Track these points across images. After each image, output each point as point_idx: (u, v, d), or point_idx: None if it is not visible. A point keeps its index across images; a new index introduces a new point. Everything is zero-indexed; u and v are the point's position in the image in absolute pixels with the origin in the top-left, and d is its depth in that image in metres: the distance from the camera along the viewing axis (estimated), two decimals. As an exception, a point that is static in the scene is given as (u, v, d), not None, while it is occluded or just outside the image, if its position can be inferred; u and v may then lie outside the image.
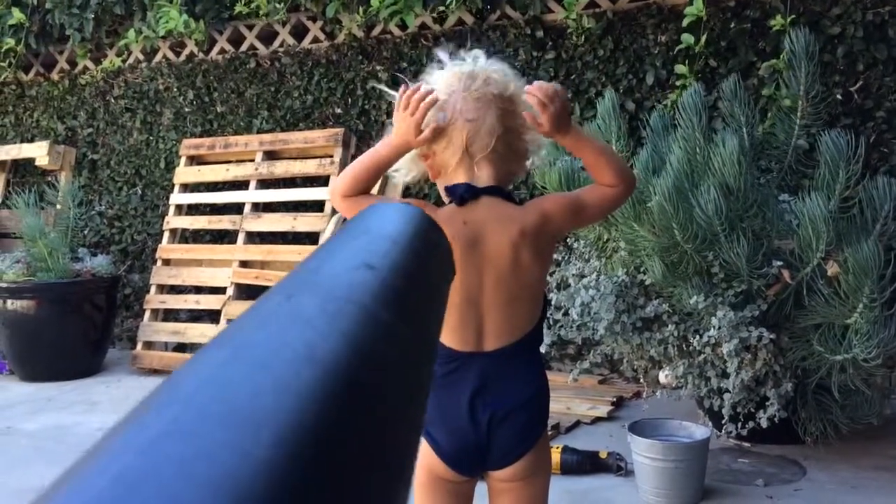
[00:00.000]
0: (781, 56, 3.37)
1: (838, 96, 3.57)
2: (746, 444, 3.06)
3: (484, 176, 1.44)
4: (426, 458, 1.46)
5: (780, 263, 2.73)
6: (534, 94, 1.41)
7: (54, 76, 5.74)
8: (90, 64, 5.57)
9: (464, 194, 1.42)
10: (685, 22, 3.60)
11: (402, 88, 1.46)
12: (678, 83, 3.68)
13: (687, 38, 3.62)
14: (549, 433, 3.15)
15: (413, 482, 1.49)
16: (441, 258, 0.53)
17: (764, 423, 2.80)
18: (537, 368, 1.50)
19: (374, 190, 2.25)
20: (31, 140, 5.78)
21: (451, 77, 1.48)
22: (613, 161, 1.49)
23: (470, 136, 1.43)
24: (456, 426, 1.43)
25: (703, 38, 3.61)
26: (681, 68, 3.64)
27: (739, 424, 2.88)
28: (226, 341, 0.32)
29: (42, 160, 5.46)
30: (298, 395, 0.28)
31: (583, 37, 3.94)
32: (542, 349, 1.93)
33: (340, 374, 0.30)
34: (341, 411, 0.29)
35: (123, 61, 5.44)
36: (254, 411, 0.27)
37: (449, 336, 1.43)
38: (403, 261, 0.43)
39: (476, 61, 1.50)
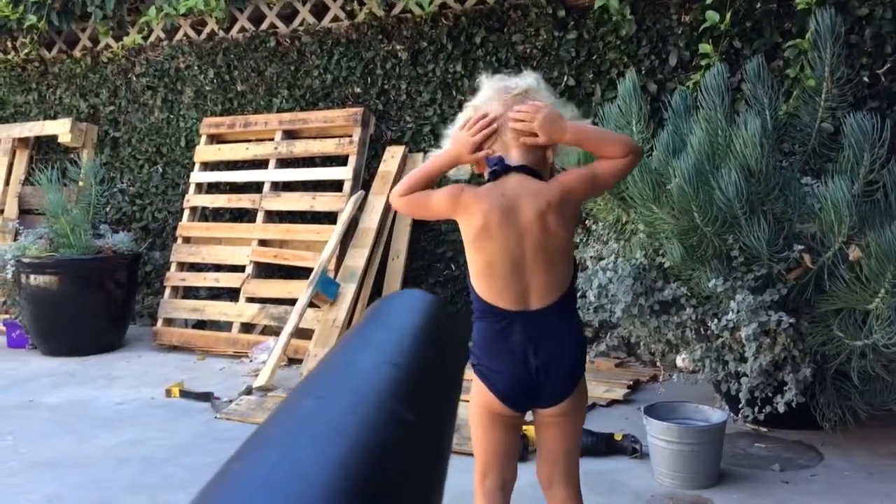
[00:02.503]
0: (807, 36, 3.31)
1: (865, 79, 3.50)
2: (763, 429, 3.04)
3: (514, 157, 1.72)
4: (482, 396, 1.73)
5: (801, 247, 2.69)
6: (515, 118, 1.70)
7: (76, 53, 5.77)
8: (112, 42, 5.59)
9: (496, 166, 1.70)
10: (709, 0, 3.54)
11: (470, 112, 1.77)
12: (702, 63, 3.63)
13: (711, 16, 3.57)
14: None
15: (469, 416, 1.69)
16: (456, 344, 0.58)
17: (781, 408, 2.78)
18: (576, 321, 1.78)
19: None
20: (54, 117, 5.82)
21: (489, 89, 1.78)
22: (614, 139, 1.78)
23: (500, 126, 1.72)
24: (511, 371, 1.69)
25: (728, 17, 3.55)
26: (705, 47, 3.59)
27: (756, 409, 2.86)
28: (272, 441, 0.37)
29: (65, 137, 5.50)
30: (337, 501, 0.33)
31: (605, 15, 3.87)
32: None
33: (368, 483, 0.35)
34: None
35: (145, 39, 5.45)
36: None
37: (498, 297, 1.68)
38: (423, 354, 0.49)
39: (515, 78, 1.80)
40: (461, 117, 1.80)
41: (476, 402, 1.77)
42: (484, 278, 1.70)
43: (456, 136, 1.76)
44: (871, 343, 2.52)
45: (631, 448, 2.84)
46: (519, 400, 1.73)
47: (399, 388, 0.43)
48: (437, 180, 1.82)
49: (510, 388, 1.71)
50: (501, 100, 1.74)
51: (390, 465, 0.37)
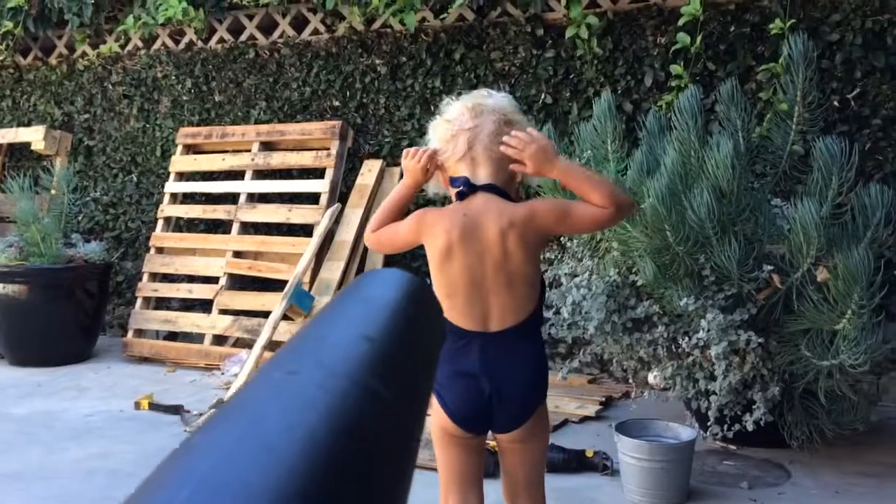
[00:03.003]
0: (780, 61, 3.38)
1: (835, 103, 3.58)
2: (732, 447, 3.07)
3: (482, 175, 1.70)
4: (438, 417, 1.71)
5: (770, 268, 2.74)
6: (509, 143, 1.67)
7: (52, 61, 5.73)
8: (88, 49, 5.55)
9: (463, 187, 1.68)
10: (681, 21, 3.60)
11: (407, 150, 1.79)
12: (674, 84, 3.68)
13: (682, 38, 3.62)
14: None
15: (432, 435, 1.69)
16: (434, 323, 0.57)
17: (750, 427, 2.81)
18: (538, 347, 1.73)
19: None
20: (28, 124, 5.76)
21: (459, 104, 1.77)
22: (601, 186, 1.70)
23: (471, 139, 1.70)
24: (464, 393, 1.66)
25: (700, 39, 3.61)
26: (677, 69, 3.64)
27: (726, 427, 2.89)
28: (238, 414, 0.36)
29: (38, 145, 5.44)
30: (303, 475, 0.32)
31: (585, 34, 3.92)
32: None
33: (337, 457, 0.34)
34: (338, 486, 0.33)
35: (122, 47, 5.43)
36: (263, 492, 0.30)
37: (458, 317, 1.66)
38: (399, 330, 0.48)
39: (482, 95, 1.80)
40: (433, 131, 1.79)
41: (434, 421, 1.74)
42: (444, 298, 1.67)
43: (405, 166, 1.77)
44: (837, 363, 2.56)
45: (602, 465, 2.86)
46: (472, 423, 1.70)
47: (373, 362, 0.42)
48: (403, 210, 1.82)
49: (462, 411, 1.68)
50: (474, 112, 1.72)
51: (361, 438, 0.36)
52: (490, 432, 1.77)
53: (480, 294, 1.65)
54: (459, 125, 1.72)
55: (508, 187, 1.73)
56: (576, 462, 2.87)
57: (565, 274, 3.16)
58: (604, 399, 3.70)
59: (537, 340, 1.73)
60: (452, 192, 1.73)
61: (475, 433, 1.73)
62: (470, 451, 1.76)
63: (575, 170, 1.76)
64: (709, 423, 2.88)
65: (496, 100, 1.76)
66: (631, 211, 1.75)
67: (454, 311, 1.66)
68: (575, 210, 1.70)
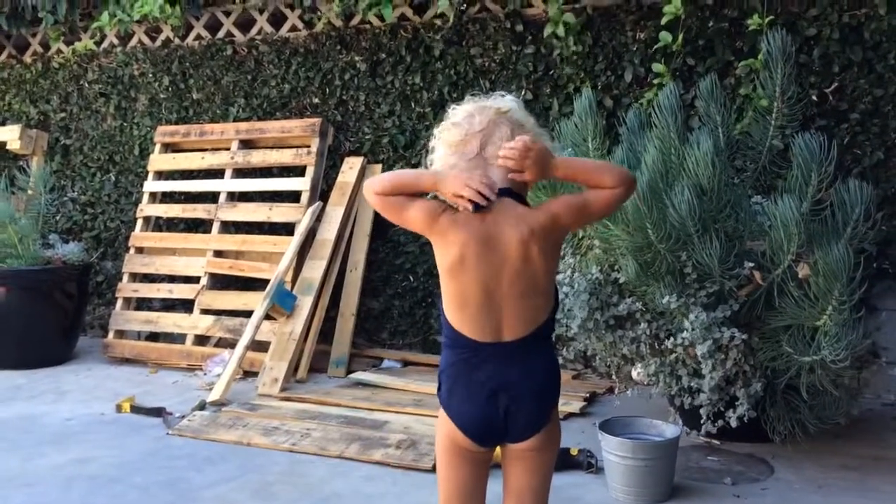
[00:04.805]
0: (759, 56, 3.39)
1: (813, 97, 3.59)
2: (716, 442, 3.09)
3: (497, 179, 1.63)
4: (447, 427, 1.66)
5: (751, 265, 2.75)
6: (507, 157, 1.61)
7: (27, 59, 5.64)
8: (63, 47, 5.47)
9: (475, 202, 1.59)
10: (664, 20, 3.60)
11: (455, 134, 1.68)
12: (655, 81, 3.68)
13: (664, 37, 3.62)
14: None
15: (436, 447, 1.62)
16: None
17: (734, 423, 2.83)
18: (551, 353, 1.70)
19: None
20: (3, 123, 5.67)
21: (467, 106, 1.72)
22: (606, 170, 1.68)
23: (483, 142, 1.65)
24: (478, 406, 1.62)
25: (681, 37, 3.61)
26: (658, 67, 3.64)
27: (710, 423, 2.90)
28: None
29: (13, 144, 5.37)
30: None
31: (563, 31, 3.90)
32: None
33: None
34: None
35: (97, 45, 5.35)
36: None
37: (470, 328, 1.61)
38: None
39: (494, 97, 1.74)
40: (439, 135, 1.71)
41: (441, 433, 1.69)
42: (455, 308, 1.62)
43: (454, 175, 1.62)
44: (819, 359, 2.58)
45: (587, 463, 2.86)
46: (486, 436, 1.65)
47: None
48: (417, 193, 1.69)
49: (478, 424, 1.63)
50: (484, 115, 1.67)
51: None
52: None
53: (494, 304, 1.60)
54: (469, 127, 1.66)
55: (522, 190, 1.68)
56: (560, 460, 2.87)
57: (548, 272, 3.15)
58: (588, 395, 3.71)
59: (550, 346, 1.70)
60: (462, 204, 1.62)
61: (488, 446, 1.68)
62: (477, 466, 1.71)
63: (575, 164, 1.75)
64: (702, 422, 2.89)
65: (505, 103, 1.71)
66: (635, 183, 1.71)
67: (466, 323, 1.61)
68: (591, 200, 1.65)
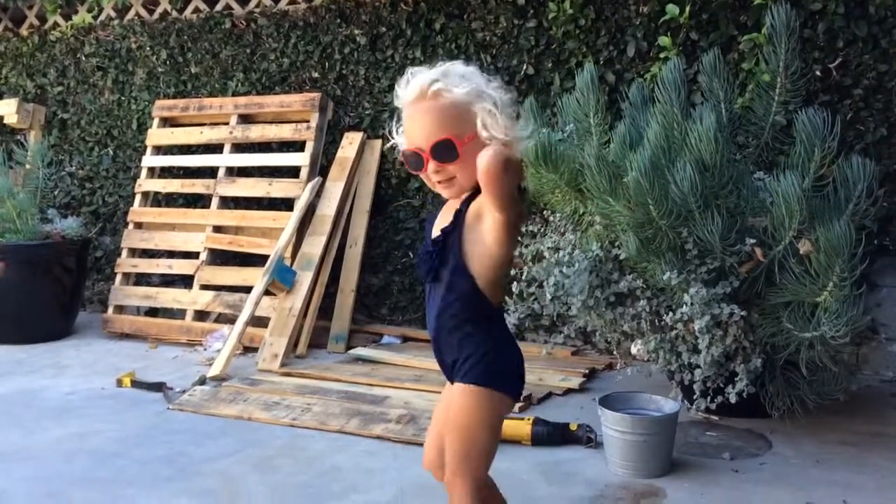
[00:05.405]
0: (763, 30, 3.35)
1: (817, 73, 3.56)
2: (715, 418, 3.10)
3: None
4: (501, 407, 1.65)
5: (752, 241, 2.74)
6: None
7: (23, 32, 5.59)
8: (60, 20, 5.42)
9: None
10: (671, -7, 3.56)
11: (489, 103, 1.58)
12: (661, 55, 3.65)
13: (671, 9, 3.58)
14: (521, 404, 3.19)
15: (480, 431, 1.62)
16: None
17: (733, 398, 2.83)
18: None
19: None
20: (0, 97, 5.63)
21: (479, 77, 1.62)
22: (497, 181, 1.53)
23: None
24: (522, 370, 1.71)
25: (688, 9, 3.57)
26: (664, 40, 3.61)
27: (709, 398, 2.91)
28: None
29: (11, 118, 5.34)
30: None
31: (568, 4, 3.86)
32: (515, 321, 2.94)
33: None
34: None
35: (94, 18, 5.30)
36: None
37: (501, 296, 1.69)
38: None
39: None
40: (489, 98, 1.56)
41: (493, 415, 1.64)
42: (501, 289, 1.67)
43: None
44: (818, 335, 2.58)
45: (586, 438, 2.87)
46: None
47: None
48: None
49: (521, 386, 1.71)
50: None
51: None
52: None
53: None
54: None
55: None
56: (560, 435, 2.88)
57: (548, 248, 3.14)
58: (587, 371, 3.72)
59: None
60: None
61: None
62: None
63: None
64: (695, 397, 2.90)
65: (470, 73, 1.59)
66: (521, 218, 1.65)
67: (501, 293, 1.68)
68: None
